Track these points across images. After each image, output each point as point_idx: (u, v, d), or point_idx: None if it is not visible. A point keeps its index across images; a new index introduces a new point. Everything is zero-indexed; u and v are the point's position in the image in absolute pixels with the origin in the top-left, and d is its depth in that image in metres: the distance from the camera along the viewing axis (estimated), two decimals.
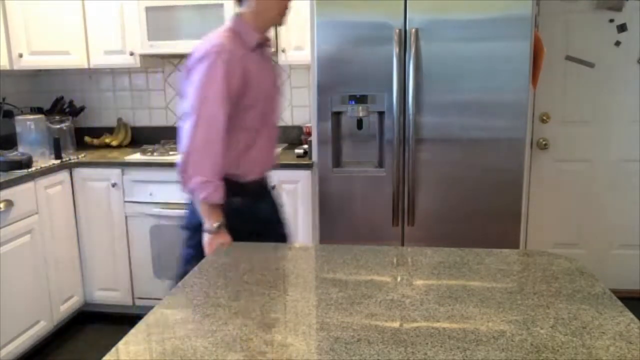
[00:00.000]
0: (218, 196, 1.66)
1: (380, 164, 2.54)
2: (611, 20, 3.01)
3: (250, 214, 1.82)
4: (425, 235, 2.49)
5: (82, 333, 2.96)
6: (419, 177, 2.48)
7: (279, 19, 1.79)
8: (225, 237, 1.67)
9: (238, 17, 1.77)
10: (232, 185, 1.73)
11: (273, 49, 2.88)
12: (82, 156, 3.01)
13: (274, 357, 0.86)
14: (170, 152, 3.00)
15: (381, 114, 2.49)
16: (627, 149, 3.13)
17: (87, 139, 3.38)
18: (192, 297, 1.10)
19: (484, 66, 2.35)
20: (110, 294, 3.01)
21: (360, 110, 2.45)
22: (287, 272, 1.24)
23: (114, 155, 3.06)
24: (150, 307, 1.05)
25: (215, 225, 1.67)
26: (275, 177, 2.72)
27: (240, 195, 1.77)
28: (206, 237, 1.68)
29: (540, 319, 0.98)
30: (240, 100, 1.69)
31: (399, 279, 1.19)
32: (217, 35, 1.73)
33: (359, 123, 2.53)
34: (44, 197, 2.68)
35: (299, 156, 2.80)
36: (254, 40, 1.74)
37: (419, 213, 2.49)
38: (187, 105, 1.66)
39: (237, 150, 1.76)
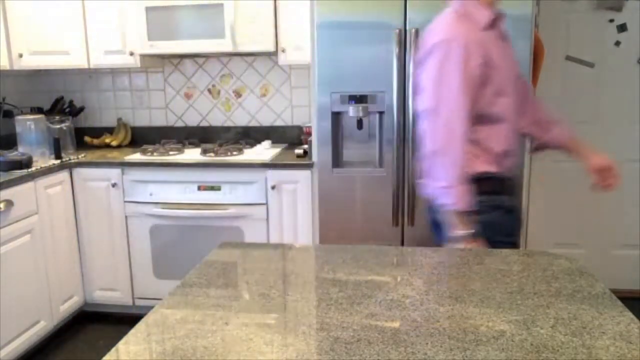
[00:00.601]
0: (464, 203, 1.48)
1: (380, 164, 2.54)
2: (611, 20, 3.01)
3: (515, 212, 1.69)
4: (425, 235, 2.49)
5: (82, 333, 2.96)
6: (419, 177, 2.47)
7: None
8: (480, 246, 1.48)
9: None
10: (496, 183, 1.58)
11: (272, 49, 2.88)
12: (82, 156, 3.01)
13: (274, 357, 0.86)
14: (170, 152, 3.00)
15: (381, 114, 2.49)
16: (627, 149, 3.13)
17: (87, 139, 3.38)
18: (192, 297, 1.10)
19: None
20: (110, 294, 3.01)
21: (360, 110, 2.45)
22: (287, 272, 1.24)
23: (114, 155, 3.06)
24: (150, 307, 1.05)
25: (467, 233, 1.47)
26: (275, 177, 2.73)
27: (505, 193, 1.62)
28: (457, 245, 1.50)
29: (540, 319, 0.97)
30: (485, 88, 1.51)
31: (399, 279, 1.19)
32: (443, 21, 1.57)
33: (359, 123, 2.53)
34: (44, 197, 2.68)
35: (299, 156, 2.81)
36: (486, 19, 1.54)
37: (419, 213, 2.49)
38: (425, 103, 1.53)
39: (494, 144, 1.57)
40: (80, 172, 2.90)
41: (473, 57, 1.48)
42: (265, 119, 3.36)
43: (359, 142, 2.58)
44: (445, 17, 1.58)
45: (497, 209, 1.59)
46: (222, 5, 2.82)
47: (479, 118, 1.53)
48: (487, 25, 1.55)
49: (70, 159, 2.92)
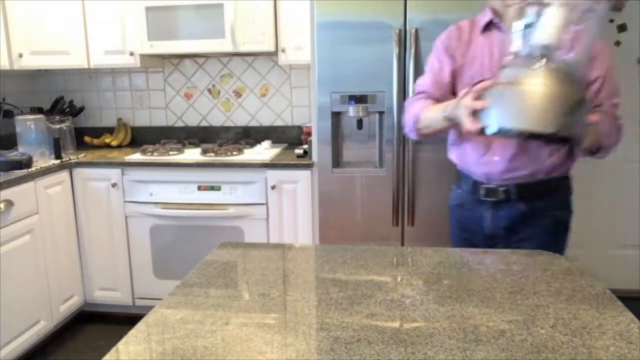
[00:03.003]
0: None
1: (380, 164, 2.54)
2: (611, 20, 3.01)
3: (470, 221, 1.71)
4: (425, 235, 2.49)
5: (82, 333, 2.96)
6: (419, 177, 2.48)
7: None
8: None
9: None
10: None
11: (272, 49, 2.88)
12: (82, 156, 3.01)
13: (274, 357, 0.86)
14: (170, 152, 3.00)
15: (381, 114, 2.49)
16: (627, 149, 3.13)
17: (87, 139, 3.38)
18: (192, 297, 1.10)
19: None
20: (110, 294, 3.01)
21: (360, 110, 2.45)
22: (287, 272, 1.24)
23: (114, 155, 3.06)
24: (150, 307, 1.05)
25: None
26: (275, 177, 2.73)
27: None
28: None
29: (540, 319, 0.97)
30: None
31: (399, 279, 1.19)
32: None
33: (359, 123, 2.53)
34: (44, 197, 2.68)
35: (299, 156, 2.80)
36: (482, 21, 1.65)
37: (419, 213, 2.49)
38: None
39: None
40: (80, 172, 2.90)
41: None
42: (265, 119, 3.36)
43: (359, 142, 2.58)
44: None
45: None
46: (222, 5, 2.82)
47: None
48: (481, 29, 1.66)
49: (70, 159, 2.92)
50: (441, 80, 1.67)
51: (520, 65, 1.26)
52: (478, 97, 1.32)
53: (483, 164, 1.61)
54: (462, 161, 1.70)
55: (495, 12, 1.63)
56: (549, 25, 1.22)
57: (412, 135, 1.72)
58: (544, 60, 1.22)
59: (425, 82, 1.72)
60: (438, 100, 1.65)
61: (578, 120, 1.24)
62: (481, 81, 1.36)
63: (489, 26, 1.64)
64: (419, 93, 1.72)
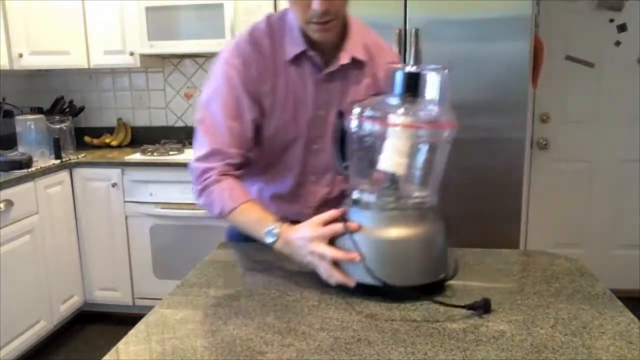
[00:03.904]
0: None
1: None
2: (611, 20, 3.01)
3: None
4: None
5: (82, 333, 2.96)
6: None
7: (305, 26, 1.23)
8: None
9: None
10: None
11: None
12: (82, 156, 3.01)
13: (274, 357, 0.86)
14: (170, 152, 3.00)
15: None
16: (627, 149, 3.13)
17: (87, 139, 3.38)
18: (192, 297, 1.10)
19: (484, 66, 2.35)
20: (110, 294, 3.01)
21: None
22: (287, 272, 1.24)
23: (114, 155, 3.06)
24: (150, 307, 1.05)
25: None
26: None
27: None
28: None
29: (540, 319, 0.97)
30: None
31: None
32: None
33: None
34: (44, 197, 2.68)
35: None
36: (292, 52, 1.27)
37: None
38: None
39: None
40: (80, 172, 2.90)
41: None
42: None
43: None
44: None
45: None
46: (222, 5, 2.82)
47: None
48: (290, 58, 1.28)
49: (70, 159, 2.92)
50: (242, 136, 1.26)
51: (370, 206, 1.07)
52: (328, 241, 1.06)
53: (293, 214, 1.31)
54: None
55: (309, 40, 1.26)
56: (393, 153, 1.03)
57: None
58: (394, 199, 1.06)
59: (219, 134, 1.26)
60: (238, 166, 1.28)
61: (448, 256, 1.07)
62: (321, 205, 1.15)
63: (300, 56, 1.27)
64: (212, 154, 1.26)
